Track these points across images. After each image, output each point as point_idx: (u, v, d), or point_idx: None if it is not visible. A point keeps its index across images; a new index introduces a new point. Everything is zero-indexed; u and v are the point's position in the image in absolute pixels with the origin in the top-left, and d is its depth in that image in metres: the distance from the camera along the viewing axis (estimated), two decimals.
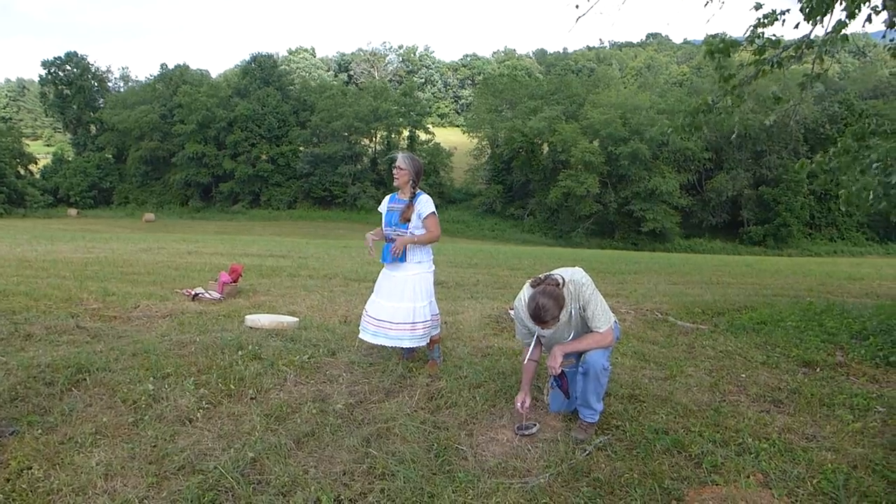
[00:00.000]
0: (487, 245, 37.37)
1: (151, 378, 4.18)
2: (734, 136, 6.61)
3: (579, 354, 3.73)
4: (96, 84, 66.32)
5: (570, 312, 3.60)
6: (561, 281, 3.55)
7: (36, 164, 61.49)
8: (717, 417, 3.96)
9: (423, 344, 4.56)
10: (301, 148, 60.23)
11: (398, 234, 4.46)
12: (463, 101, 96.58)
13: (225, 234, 34.18)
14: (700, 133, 6.87)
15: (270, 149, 59.30)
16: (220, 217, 55.86)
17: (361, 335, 4.55)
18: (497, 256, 18.71)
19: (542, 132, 54.23)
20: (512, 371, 4.66)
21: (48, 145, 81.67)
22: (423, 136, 62.76)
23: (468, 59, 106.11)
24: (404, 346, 4.48)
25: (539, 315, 3.43)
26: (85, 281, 8.35)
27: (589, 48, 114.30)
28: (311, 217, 55.87)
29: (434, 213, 4.45)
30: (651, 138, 46.73)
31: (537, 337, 3.84)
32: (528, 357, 3.94)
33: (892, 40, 6.13)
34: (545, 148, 56.41)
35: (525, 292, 3.64)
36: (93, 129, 64.95)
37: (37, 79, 67.24)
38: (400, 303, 4.43)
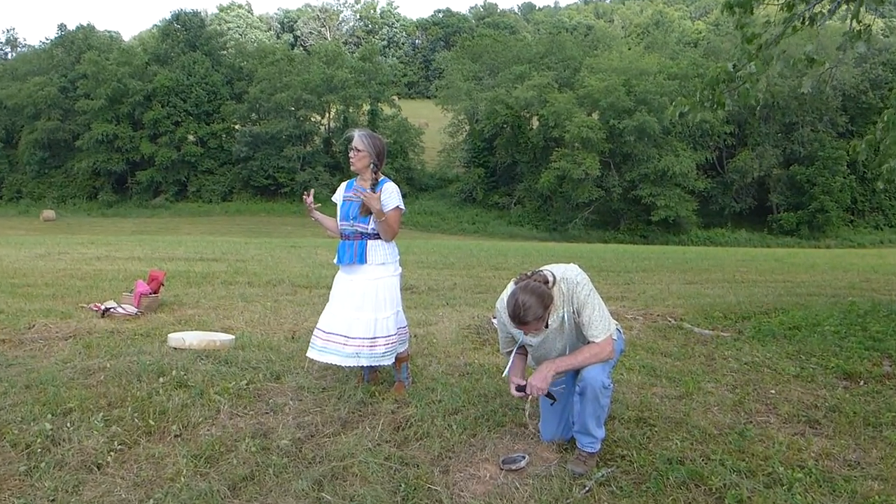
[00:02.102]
0: (467, 241, 37.45)
1: (50, 415, 4.10)
2: (759, 106, 6.70)
3: (575, 372, 3.74)
4: None
5: (563, 317, 3.62)
6: (551, 279, 3.57)
7: None
8: (741, 443, 4.01)
9: (386, 363, 4.54)
10: (237, 126, 59.76)
11: (358, 230, 4.44)
12: (435, 67, 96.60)
13: (144, 235, 33.78)
14: (723, 108, 6.93)
15: (199, 128, 58.74)
16: (137, 213, 55.22)
17: (308, 353, 4.53)
18: (478, 254, 18.74)
19: (531, 103, 54.51)
20: (496, 392, 4.66)
21: None
22: (386, 110, 62.70)
23: (440, 16, 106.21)
24: (362, 365, 4.46)
25: (519, 314, 3.45)
26: None
27: (585, 1, 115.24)
28: (251, 211, 55.50)
29: (400, 207, 4.43)
30: (659, 108, 47.15)
31: (522, 347, 3.85)
32: (511, 369, 3.94)
33: None
34: (535, 122, 56.68)
35: (507, 290, 3.66)
36: None
37: None
38: (359, 313, 4.41)
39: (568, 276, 3.62)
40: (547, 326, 3.61)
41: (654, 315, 7.87)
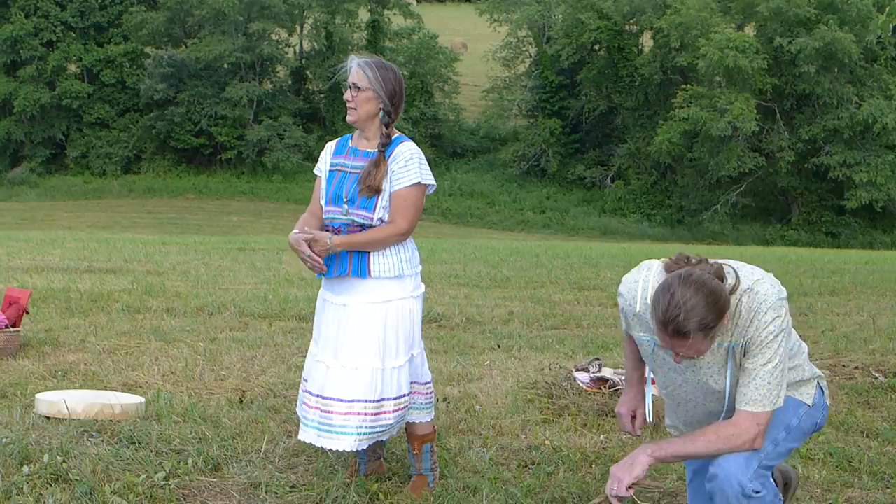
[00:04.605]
0: (531, 241, 37.33)
1: None
2: None
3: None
4: None
5: (728, 349, 3.55)
6: (732, 278, 3.50)
7: None
8: None
9: (386, 437, 4.54)
10: (149, 50, 60.16)
11: (356, 221, 4.42)
12: None
13: None
14: None
15: (86, 52, 59.29)
16: None
17: (302, 433, 4.52)
18: (550, 264, 18.68)
19: (640, 10, 54.25)
20: (582, 496, 4.65)
21: None
22: (398, 22, 62.79)
23: None
24: (357, 448, 4.46)
25: (675, 319, 3.32)
26: None
27: None
28: (172, 189, 55.89)
29: (422, 184, 4.42)
30: (860, 19, 46.60)
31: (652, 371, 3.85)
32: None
33: None
34: (646, 42, 56.37)
35: (649, 274, 3.64)
36: None
37: None
38: (354, 360, 4.41)
39: (759, 289, 3.52)
40: (708, 339, 3.52)
41: (850, 368, 7.78)
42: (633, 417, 4.00)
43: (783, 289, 3.56)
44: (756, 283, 3.52)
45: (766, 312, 3.47)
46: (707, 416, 3.74)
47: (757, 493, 3.57)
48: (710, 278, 3.39)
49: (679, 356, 3.48)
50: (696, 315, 3.30)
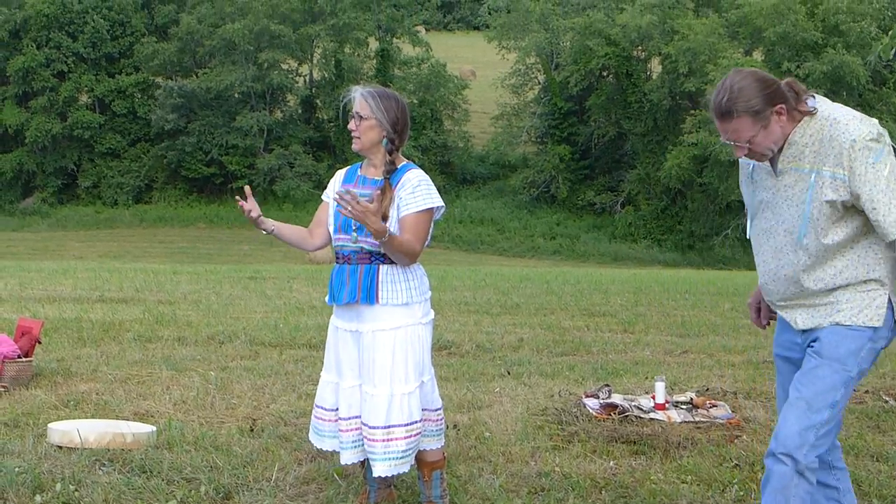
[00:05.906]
0: (541, 267, 37.21)
1: None
2: None
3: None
4: None
5: (811, 178, 3.57)
6: (810, 101, 3.65)
7: None
8: None
9: (401, 470, 4.53)
10: (160, 80, 60.29)
11: (365, 248, 4.41)
12: None
13: (7, 259, 34.16)
14: None
15: (97, 82, 59.43)
16: None
17: (344, 457, 4.52)
18: (560, 290, 18.61)
19: (649, 36, 54.28)
20: None
21: None
22: (407, 50, 62.82)
23: None
24: (379, 474, 4.44)
25: (720, 99, 3.56)
26: None
27: None
28: (183, 219, 55.89)
29: (431, 208, 4.43)
30: (865, 42, 46.58)
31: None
32: None
33: None
34: (654, 68, 56.37)
35: None
36: None
37: None
38: (369, 388, 4.41)
39: (842, 119, 3.62)
40: (776, 171, 3.67)
41: (860, 392, 7.73)
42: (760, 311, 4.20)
43: (881, 130, 3.62)
44: (843, 115, 3.66)
45: (851, 145, 3.54)
46: (786, 269, 3.83)
47: (813, 463, 3.58)
48: (767, 74, 3.62)
49: (736, 146, 3.62)
50: (742, 97, 3.53)
